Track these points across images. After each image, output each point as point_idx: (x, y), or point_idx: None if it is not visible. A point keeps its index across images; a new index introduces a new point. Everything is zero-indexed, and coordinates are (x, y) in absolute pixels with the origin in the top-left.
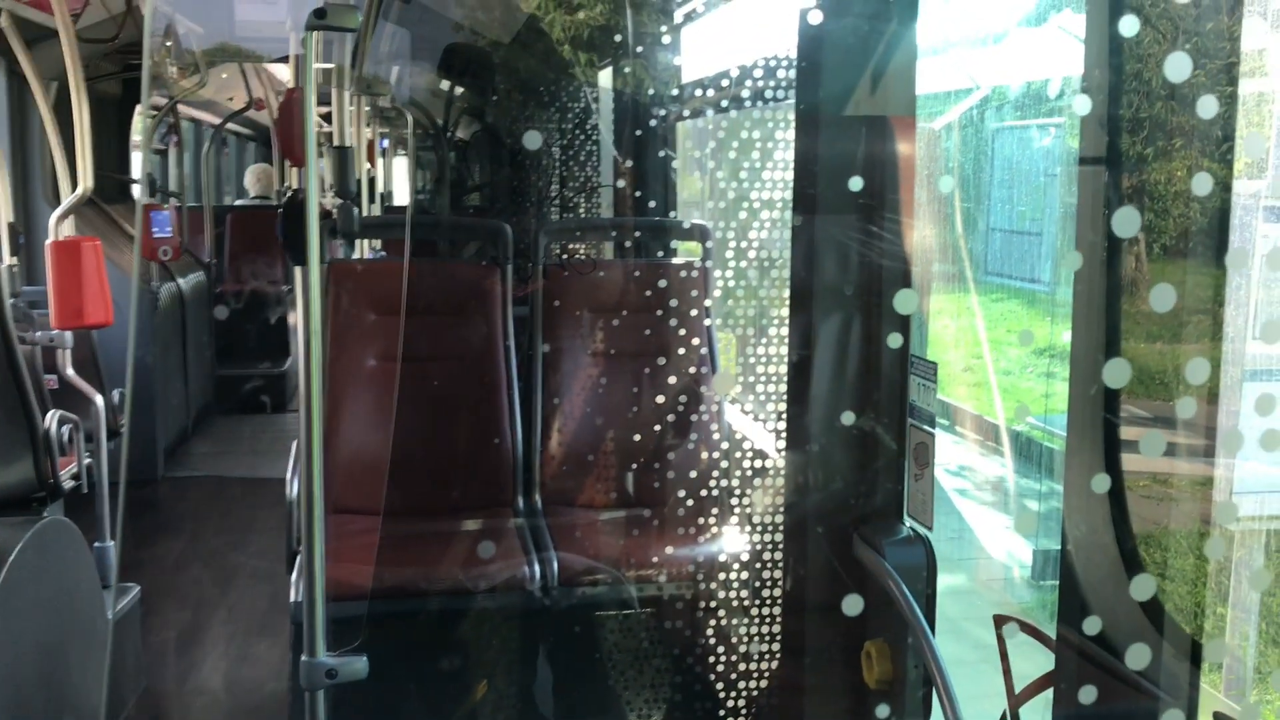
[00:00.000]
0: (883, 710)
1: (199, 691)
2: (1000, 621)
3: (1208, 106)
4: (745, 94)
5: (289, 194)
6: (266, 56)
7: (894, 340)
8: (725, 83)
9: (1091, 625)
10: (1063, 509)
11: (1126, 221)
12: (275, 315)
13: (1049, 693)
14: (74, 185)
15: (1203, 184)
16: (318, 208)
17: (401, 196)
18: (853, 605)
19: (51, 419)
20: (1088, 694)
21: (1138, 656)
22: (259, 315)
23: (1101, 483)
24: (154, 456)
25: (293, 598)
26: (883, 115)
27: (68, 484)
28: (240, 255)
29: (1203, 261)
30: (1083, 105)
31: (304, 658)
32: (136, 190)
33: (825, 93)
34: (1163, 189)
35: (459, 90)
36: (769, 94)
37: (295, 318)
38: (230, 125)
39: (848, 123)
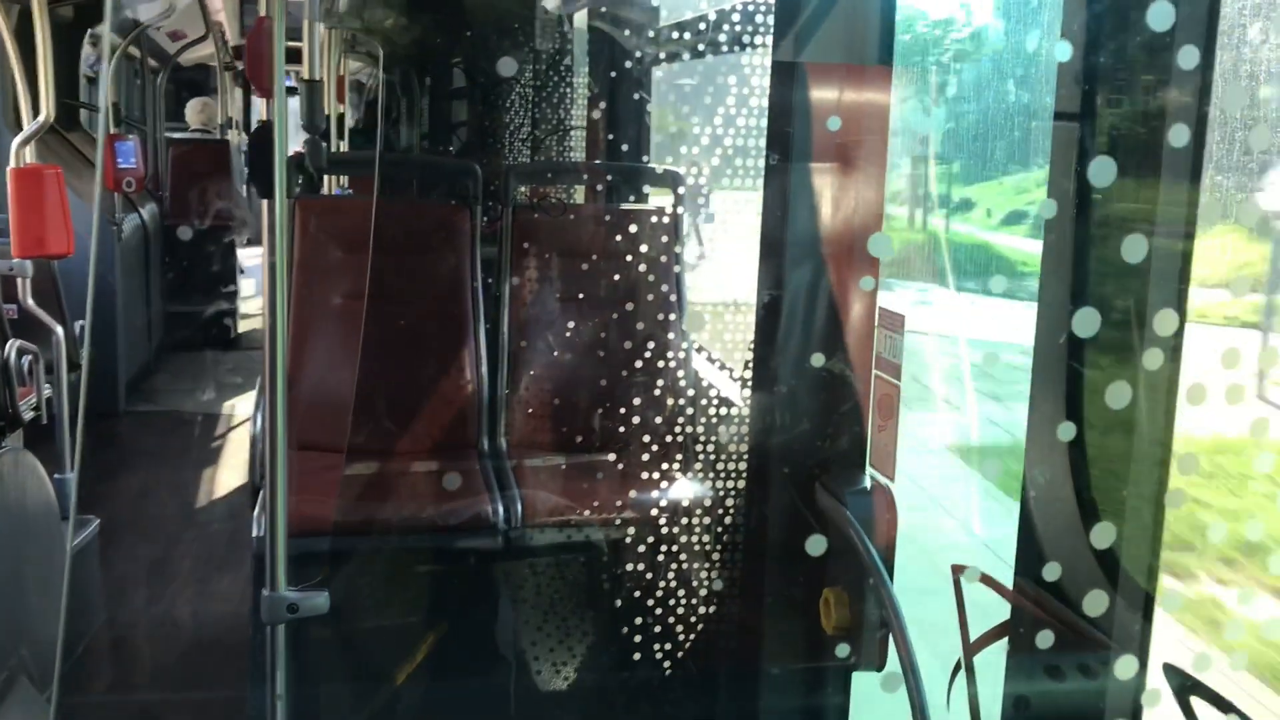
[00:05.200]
0: (839, 656)
1: (158, 624)
2: (957, 570)
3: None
4: (722, 38)
5: (258, 126)
6: None
7: (863, 291)
8: (702, 26)
9: (1048, 575)
10: (1024, 457)
11: (1102, 171)
12: (221, 250)
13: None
14: (35, 112)
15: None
16: (285, 141)
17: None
18: (813, 551)
19: (10, 348)
20: (1041, 643)
21: (1092, 606)
22: (204, 250)
23: (1066, 431)
24: (115, 390)
25: (255, 533)
26: (860, 63)
27: (27, 415)
28: (184, 188)
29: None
30: (1060, 54)
31: (265, 592)
32: (89, 117)
33: (802, 39)
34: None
35: (431, 26)
36: (746, 39)
37: (242, 254)
38: (148, 57)
39: (824, 70)
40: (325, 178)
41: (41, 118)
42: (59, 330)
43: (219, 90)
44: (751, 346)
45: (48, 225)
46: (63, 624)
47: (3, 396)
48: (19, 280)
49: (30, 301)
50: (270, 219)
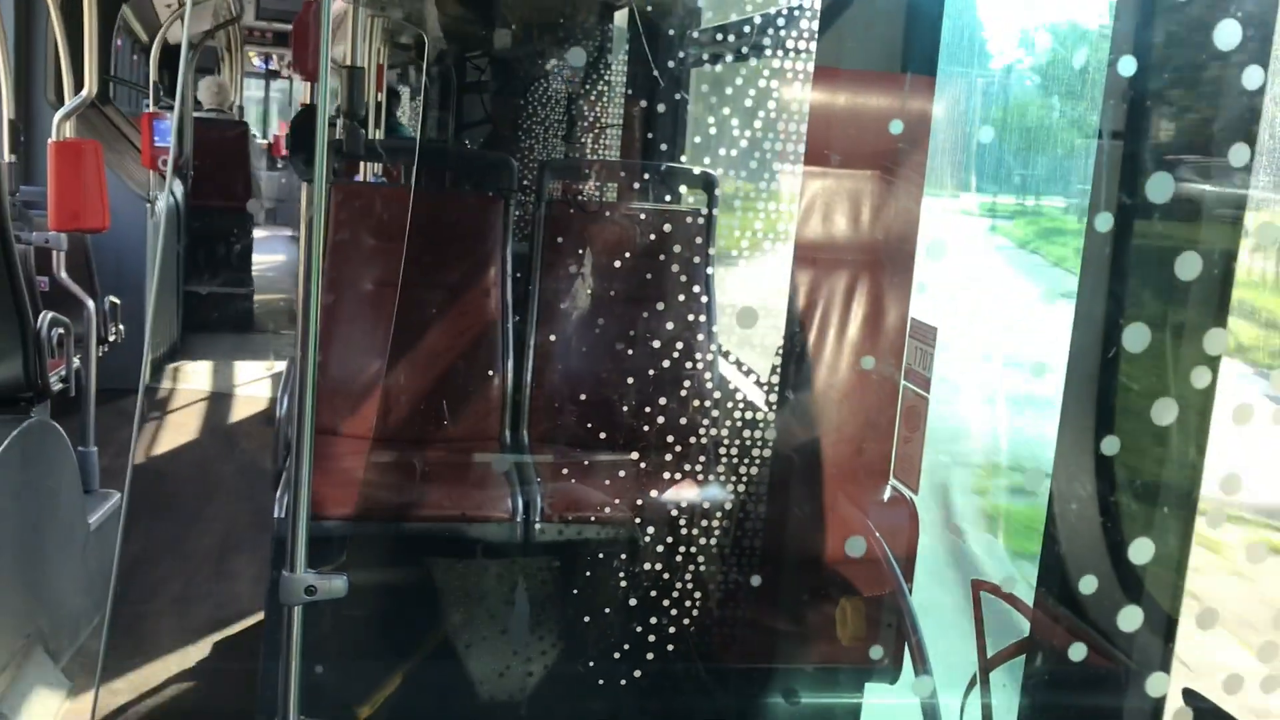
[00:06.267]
0: (854, 665)
1: (173, 600)
2: (977, 587)
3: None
4: (766, 42)
5: (300, 109)
6: None
7: (896, 301)
8: (747, 29)
9: (1069, 594)
10: (1051, 475)
11: (1160, 187)
12: (241, 231)
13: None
14: (77, 86)
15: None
16: (328, 125)
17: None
18: (832, 560)
19: (43, 320)
20: (1060, 661)
21: (1113, 627)
22: (226, 230)
23: (1098, 447)
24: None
25: (276, 514)
26: (902, 73)
27: (56, 387)
28: (205, 168)
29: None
30: (1124, 69)
31: (285, 573)
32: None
33: (846, 46)
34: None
35: (473, 18)
36: (790, 44)
37: (259, 234)
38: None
39: (867, 78)
40: (361, 164)
41: (84, 92)
42: (90, 304)
43: (233, 72)
44: (780, 352)
45: (85, 199)
46: (112, 594)
47: (33, 367)
48: (54, 253)
49: (64, 274)
50: (309, 203)
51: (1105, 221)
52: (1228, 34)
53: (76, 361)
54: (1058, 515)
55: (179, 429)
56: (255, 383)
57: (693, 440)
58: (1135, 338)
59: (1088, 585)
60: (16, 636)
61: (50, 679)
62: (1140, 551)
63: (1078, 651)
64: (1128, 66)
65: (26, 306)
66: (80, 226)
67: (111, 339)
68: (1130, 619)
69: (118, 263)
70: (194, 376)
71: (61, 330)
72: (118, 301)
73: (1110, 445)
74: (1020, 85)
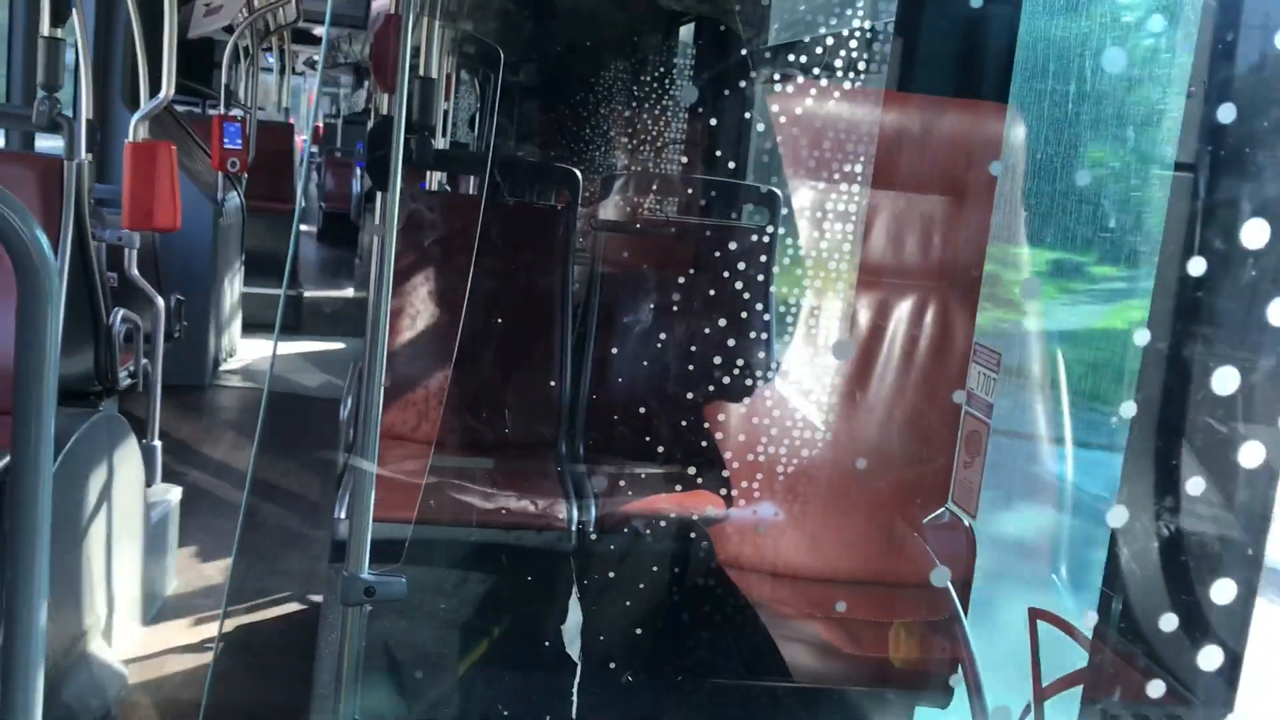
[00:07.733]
0: (906, 688)
1: (222, 595)
2: (1034, 616)
3: None
4: (838, 64)
5: (377, 120)
6: None
7: (961, 325)
8: (819, 50)
9: (1129, 626)
10: (1114, 507)
11: (1256, 233)
12: (289, 232)
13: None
14: (153, 89)
15: None
16: (403, 136)
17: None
18: (886, 582)
19: (115, 316)
20: (1119, 694)
21: (1175, 661)
22: (275, 231)
23: (1161, 481)
24: (204, 364)
25: (337, 514)
26: (975, 99)
27: (124, 382)
28: (257, 170)
29: None
30: (1186, 108)
31: (345, 573)
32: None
33: (919, 71)
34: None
35: (544, 31)
36: (861, 66)
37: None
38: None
39: (936, 103)
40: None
41: (162, 94)
42: (159, 301)
43: (281, 73)
44: (841, 372)
45: (158, 199)
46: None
47: (104, 362)
48: (125, 250)
49: (135, 272)
50: (384, 211)
51: (1173, 255)
52: None
53: (144, 358)
54: (1120, 545)
55: (231, 421)
56: (309, 378)
57: (749, 457)
58: (1205, 374)
59: (1145, 618)
60: (78, 627)
61: (110, 669)
62: (1205, 587)
63: (1137, 685)
64: (1228, 113)
65: (101, 303)
66: (153, 226)
67: (176, 335)
68: (1194, 655)
69: (184, 261)
70: (248, 374)
71: (131, 326)
72: (183, 299)
73: (1175, 479)
74: None
